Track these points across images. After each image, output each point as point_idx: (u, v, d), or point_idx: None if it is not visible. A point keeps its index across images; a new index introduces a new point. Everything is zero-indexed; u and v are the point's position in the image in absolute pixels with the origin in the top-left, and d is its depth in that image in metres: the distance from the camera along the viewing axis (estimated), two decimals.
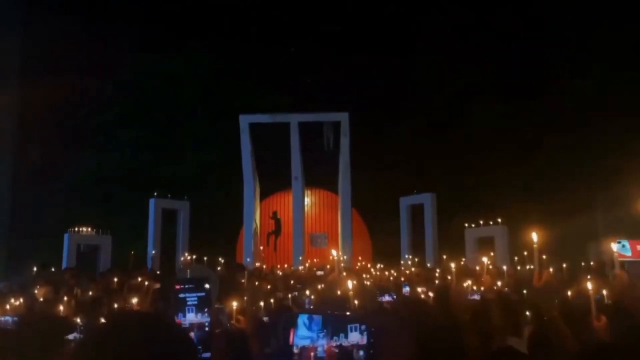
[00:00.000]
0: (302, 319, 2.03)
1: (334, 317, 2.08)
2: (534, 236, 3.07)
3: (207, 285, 2.90)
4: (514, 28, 18.97)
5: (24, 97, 15.49)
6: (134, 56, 21.72)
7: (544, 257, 8.00)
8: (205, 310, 2.90)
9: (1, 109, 14.36)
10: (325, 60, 20.94)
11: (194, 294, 2.87)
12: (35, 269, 10.90)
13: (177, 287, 2.91)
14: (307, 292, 7.28)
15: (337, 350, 2.00)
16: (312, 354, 2.00)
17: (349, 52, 20.84)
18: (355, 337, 2.01)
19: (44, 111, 16.89)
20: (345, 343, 2.01)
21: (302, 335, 2.02)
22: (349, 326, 2.02)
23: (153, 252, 15.36)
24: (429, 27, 20.35)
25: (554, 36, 18.37)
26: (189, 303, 2.88)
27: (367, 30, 21.17)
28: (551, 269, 5.15)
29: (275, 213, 19.88)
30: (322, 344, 2.01)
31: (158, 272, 11.66)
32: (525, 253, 10.42)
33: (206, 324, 2.93)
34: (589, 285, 3.89)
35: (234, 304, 3.43)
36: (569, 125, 16.78)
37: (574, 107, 17.02)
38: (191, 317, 2.91)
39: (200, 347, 2.82)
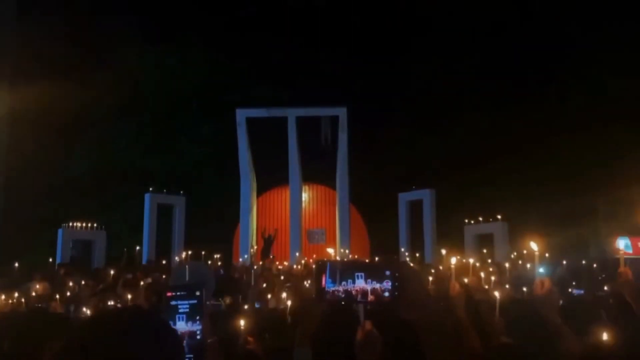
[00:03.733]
0: (329, 267, 2.47)
1: (342, 265, 2.48)
2: (534, 246, 2.87)
3: (198, 293, 2.75)
4: (515, 25, 18.80)
5: (16, 90, 15.29)
6: (130, 49, 21.48)
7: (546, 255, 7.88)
8: (197, 318, 2.76)
9: None
10: (323, 54, 20.72)
11: (186, 302, 2.73)
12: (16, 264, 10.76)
13: (169, 294, 2.77)
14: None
15: (343, 295, 2.40)
16: (336, 294, 2.44)
17: (347, 46, 20.64)
18: (361, 283, 2.39)
19: (37, 105, 16.68)
20: (351, 288, 2.39)
21: (328, 280, 2.44)
22: (355, 274, 2.40)
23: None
24: (429, 20, 20.17)
25: (557, 35, 18.21)
26: (180, 311, 2.74)
27: (365, 24, 20.98)
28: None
29: (271, 235, 17.55)
30: (335, 288, 2.42)
31: (152, 267, 11.54)
32: (525, 252, 10.31)
33: (197, 332, 2.79)
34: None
35: (242, 323, 3.30)
36: (569, 120, 16.66)
37: (575, 103, 16.91)
38: (181, 326, 2.76)
39: (191, 356, 2.70)
